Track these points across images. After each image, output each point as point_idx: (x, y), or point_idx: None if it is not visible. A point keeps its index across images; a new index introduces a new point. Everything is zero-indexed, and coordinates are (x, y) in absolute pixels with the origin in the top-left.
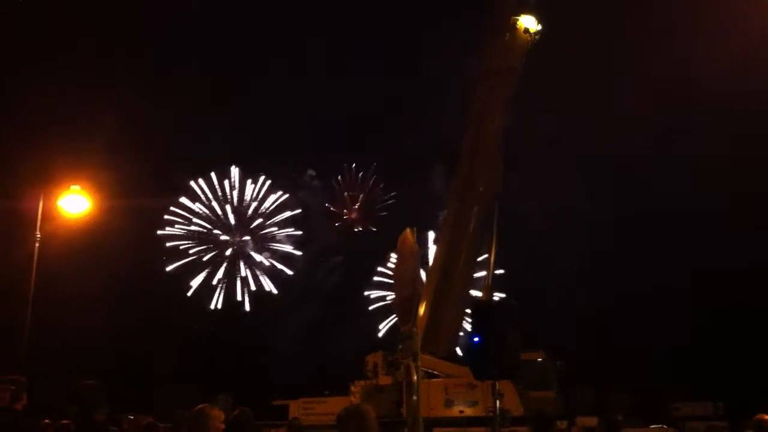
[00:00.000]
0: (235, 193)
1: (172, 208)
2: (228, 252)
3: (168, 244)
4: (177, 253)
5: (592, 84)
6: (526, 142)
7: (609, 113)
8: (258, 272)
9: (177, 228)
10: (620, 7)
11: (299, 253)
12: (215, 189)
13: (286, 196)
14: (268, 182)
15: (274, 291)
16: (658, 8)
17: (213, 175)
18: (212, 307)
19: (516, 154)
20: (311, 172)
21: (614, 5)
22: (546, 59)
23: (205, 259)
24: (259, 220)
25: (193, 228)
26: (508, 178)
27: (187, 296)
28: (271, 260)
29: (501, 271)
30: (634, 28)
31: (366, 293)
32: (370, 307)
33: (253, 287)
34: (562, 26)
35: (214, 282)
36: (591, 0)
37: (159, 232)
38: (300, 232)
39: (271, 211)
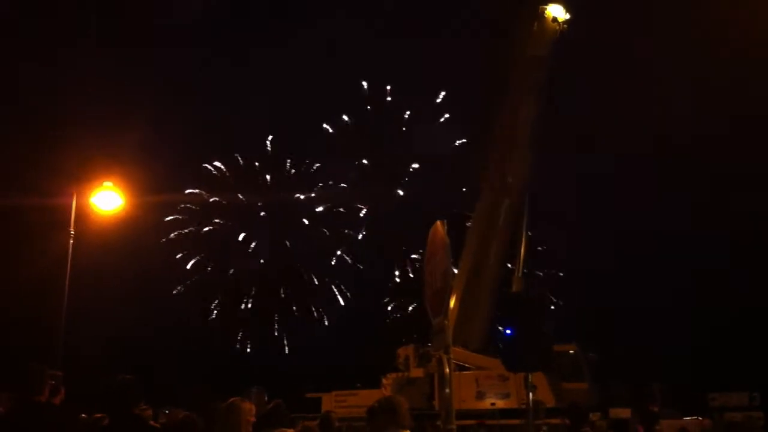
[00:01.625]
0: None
1: (185, 205)
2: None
3: (178, 256)
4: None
5: (594, 82)
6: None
7: (610, 111)
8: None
9: (188, 230)
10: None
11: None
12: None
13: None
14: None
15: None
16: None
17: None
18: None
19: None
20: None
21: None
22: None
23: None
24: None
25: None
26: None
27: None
28: (335, 287)
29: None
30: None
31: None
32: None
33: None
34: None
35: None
36: None
37: (164, 239)
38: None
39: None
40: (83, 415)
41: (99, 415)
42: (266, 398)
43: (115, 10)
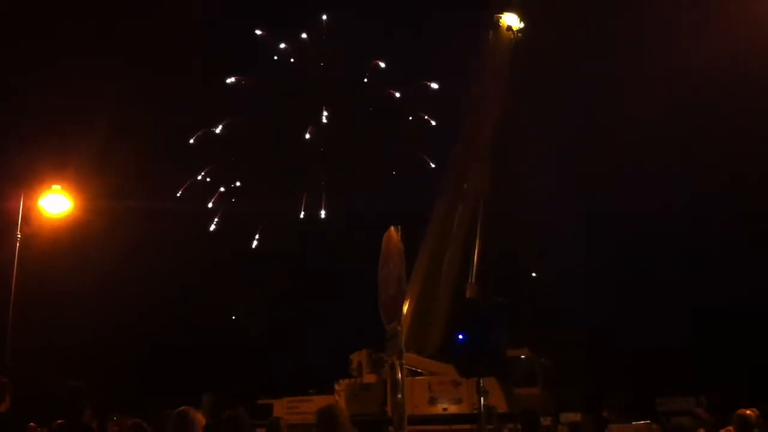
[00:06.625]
0: None
1: None
2: None
3: None
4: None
5: (591, 71)
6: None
7: (609, 108)
8: None
9: None
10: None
11: None
12: None
13: None
14: None
15: None
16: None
17: None
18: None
19: (511, 147)
20: None
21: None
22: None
23: None
24: None
25: None
26: (504, 175)
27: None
28: None
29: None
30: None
31: None
32: None
33: None
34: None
35: None
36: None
37: None
38: None
39: None
40: (32, 423)
41: (60, 422)
42: (214, 403)
43: (67, 7)
